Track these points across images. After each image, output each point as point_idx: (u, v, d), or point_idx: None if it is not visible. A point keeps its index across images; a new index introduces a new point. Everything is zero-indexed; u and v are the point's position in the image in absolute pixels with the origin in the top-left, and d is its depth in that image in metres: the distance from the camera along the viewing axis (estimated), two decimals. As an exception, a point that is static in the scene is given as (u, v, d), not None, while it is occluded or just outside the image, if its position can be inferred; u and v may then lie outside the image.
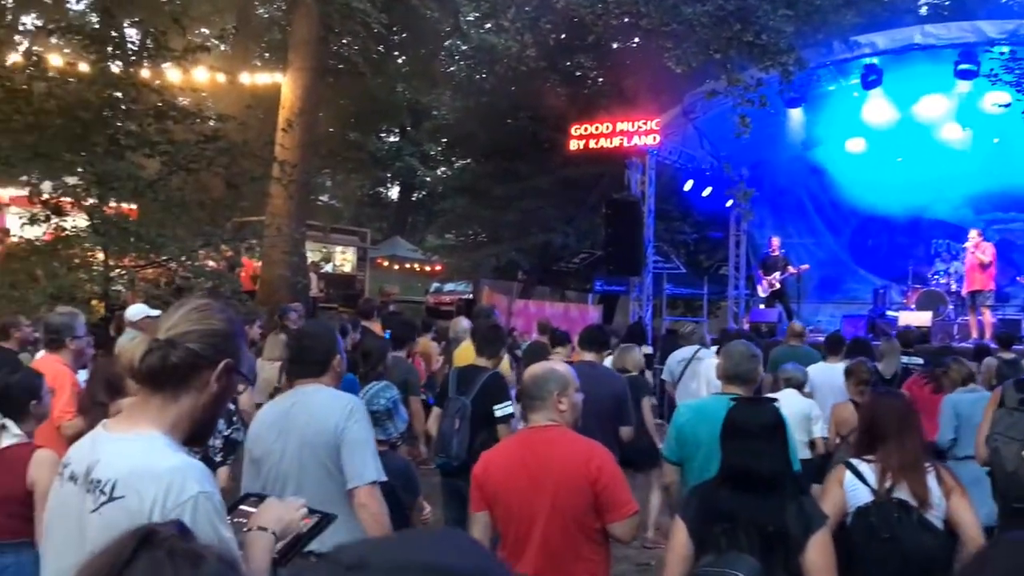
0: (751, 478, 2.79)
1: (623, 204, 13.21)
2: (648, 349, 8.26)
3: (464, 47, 25.22)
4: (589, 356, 5.44)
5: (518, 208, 18.52)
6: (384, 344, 5.53)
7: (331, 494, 3.11)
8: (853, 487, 3.18)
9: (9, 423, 3.21)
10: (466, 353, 6.88)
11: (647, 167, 13.62)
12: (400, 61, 27.05)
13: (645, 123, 12.89)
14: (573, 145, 13.63)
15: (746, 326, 15.06)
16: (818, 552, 2.73)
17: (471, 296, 21.69)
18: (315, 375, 3.28)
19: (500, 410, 4.93)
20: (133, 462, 1.75)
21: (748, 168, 15.29)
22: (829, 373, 6.76)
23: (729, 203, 15.10)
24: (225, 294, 10.23)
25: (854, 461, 3.28)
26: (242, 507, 2.16)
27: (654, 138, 12.97)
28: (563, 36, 17.73)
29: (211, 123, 9.90)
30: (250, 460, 3.35)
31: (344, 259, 24.20)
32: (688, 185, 15.05)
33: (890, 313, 13.73)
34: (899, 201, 15.29)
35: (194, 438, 1.92)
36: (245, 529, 1.95)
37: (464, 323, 8.17)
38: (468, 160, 25.51)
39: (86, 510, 1.76)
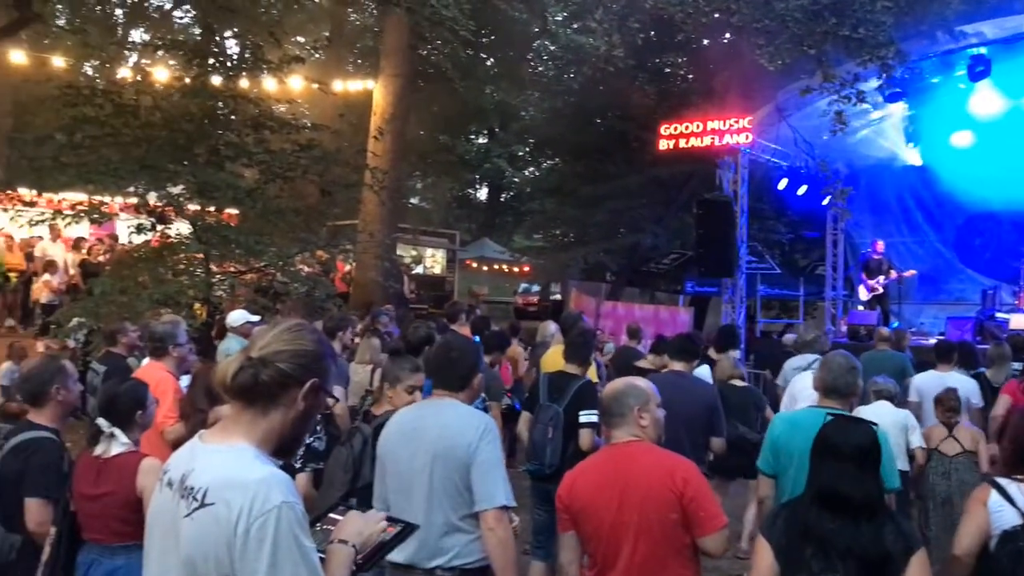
0: (843, 502, 2.69)
1: (715, 204, 12.95)
2: (736, 353, 8.03)
3: (552, 48, 25.23)
4: (678, 366, 5.34)
5: (606, 208, 18.40)
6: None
7: (458, 509, 3.19)
8: (999, 508, 3.02)
9: (118, 432, 3.36)
10: (554, 358, 6.85)
11: (739, 166, 13.32)
12: (488, 64, 27.24)
13: (737, 121, 12.62)
14: (663, 145, 13.44)
15: (844, 328, 14.59)
16: (919, 573, 2.64)
17: (559, 297, 21.70)
18: (454, 389, 3.34)
19: (585, 416, 4.91)
20: (223, 472, 1.84)
21: (845, 165, 14.78)
22: (939, 383, 6.46)
23: (825, 201, 14.63)
24: (320, 298, 10.51)
25: (1001, 480, 3.12)
26: (331, 515, 2.22)
27: (746, 136, 12.68)
28: (652, 35, 17.51)
29: (306, 132, 10.17)
30: (379, 464, 3.42)
31: (434, 261, 24.53)
32: (782, 184, 14.65)
33: (1000, 315, 13.03)
34: (1009, 197, 14.48)
35: (282, 451, 1.99)
36: (330, 540, 2.00)
37: (551, 327, 8.14)
38: (556, 160, 25.51)
39: (180, 515, 1.86)
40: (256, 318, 8.34)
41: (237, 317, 7.97)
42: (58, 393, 3.60)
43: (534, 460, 5.20)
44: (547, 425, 5.07)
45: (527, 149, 30.18)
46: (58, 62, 16.45)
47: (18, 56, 15.78)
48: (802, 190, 14.74)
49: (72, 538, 3.32)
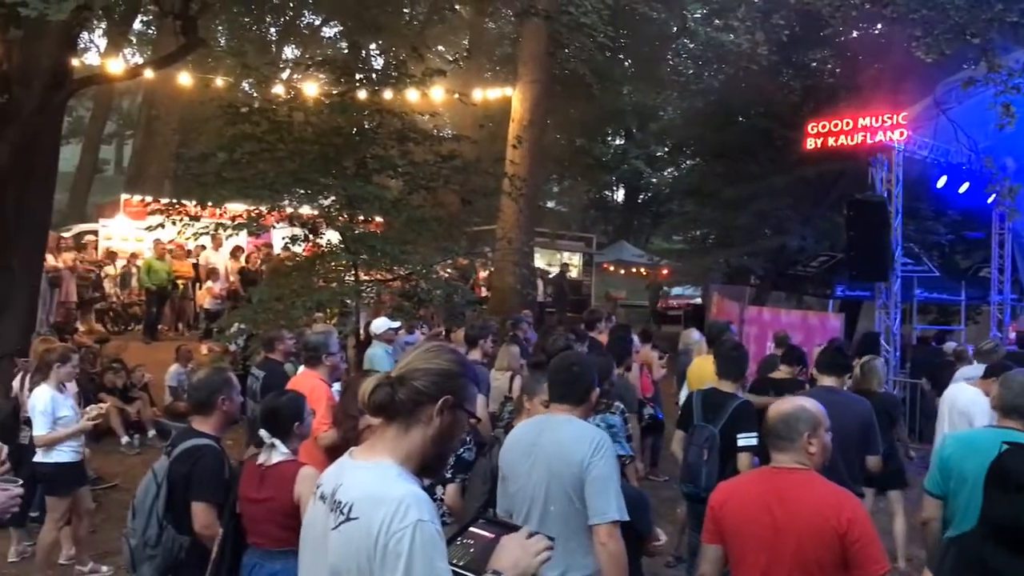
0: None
1: (867, 204, 12.30)
2: (879, 362, 7.57)
3: (691, 46, 24.75)
4: (829, 381, 5.10)
5: (750, 209, 17.86)
6: (609, 361, 5.50)
7: (573, 523, 3.23)
8: None
9: (278, 442, 3.55)
10: (701, 368, 6.70)
11: (893, 164, 12.60)
12: (625, 65, 27.00)
13: (891, 117, 11.94)
14: (810, 144, 12.90)
15: (1012, 335, 13.56)
16: None
17: (700, 301, 21.23)
18: (572, 403, 3.42)
19: (743, 440, 4.75)
20: (368, 487, 1.92)
21: (1014, 160, 13.72)
22: None
23: (991, 199, 13.63)
24: (459, 304, 10.71)
25: None
26: (472, 528, 2.22)
27: (901, 133, 11.99)
28: (796, 29, 16.86)
29: (447, 142, 10.40)
30: (501, 477, 3.53)
31: (571, 264, 24.56)
32: (941, 181, 13.76)
33: None
34: None
35: (426, 469, 2.05)
36: (486, 571, 2.01)
37: (695, 335, 8.00)
38: (696, 161, 25.02)
39: (328, 527, 1.96)
40: (398, 324, 8.62)
41: (380, 324, 8.26)
42: (223, 404, 3.83)
43: (688, 482, 5.10)
44: (702, 447, 4.95)
45: (665, 150, 29.74)
46: (219, 82, 17.59)
47: (184, 78, 16.99)
48: (963, 188, 13.81)
49: (237, 541, 3.53)
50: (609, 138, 33.16)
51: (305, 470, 3.50)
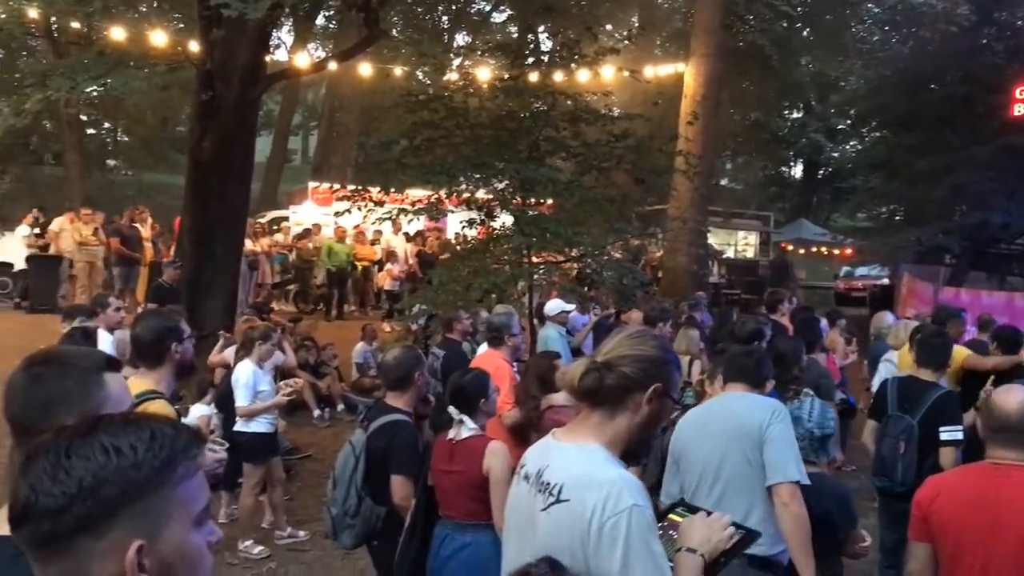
0: None
1: (1086, 175, 11.10)
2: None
3: (877, 11, 23.18)
4: (1053, 369, 4.63)
5: (945, 183, 16.54)
6: (798, 345, 5.24)
7: (749, 485, 3.26)
8: None
9: (465, 418, 3.65)
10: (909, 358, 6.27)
11: (1119, 128, 11.30)
12: (804, 34, 25.67)
13: (1118, 76, 10.70)
14: (1018, 110, 11.77)
15: None
16: None
17: (887, 282, 19.97)
18: (748, 385, 3.52)
19: (947, 433, 4.40)
20: (578, 470, 1.93)
21: None
22: None
23: None
24: (631, 287, 10.59)
25: None
26: (671, 516, 2.22)
27: None
28: (1002, -16, 15.41)
29: (619, 121, 10.27)
30: (672, 460, 3.54)
31: (746, 244, 23.74)
32: None
33: None
34: None
35: (629, 454, 2.04)
36: (675, 549, 1.98)
37: (888, 319, 7.50)
38: (882, 132, 23.46)
39: (536, 508, 1.97)
40: (571, 307, 8.63)
41: (554, 307, 8.30)
42: (417, 380, 3.98)
43: (882, 476, 4.80)
44: (898, 439, 4.64)
45: (848, 122, 28.11)
46: (397, 72, 18.24)
47: (364, 69, 17.73)
48: None
49: (430, 512, 3.66)
50: (786, 112, 31.75)
51: (493, 444, 3.60)
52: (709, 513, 2.07)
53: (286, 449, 7.57)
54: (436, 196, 9.47)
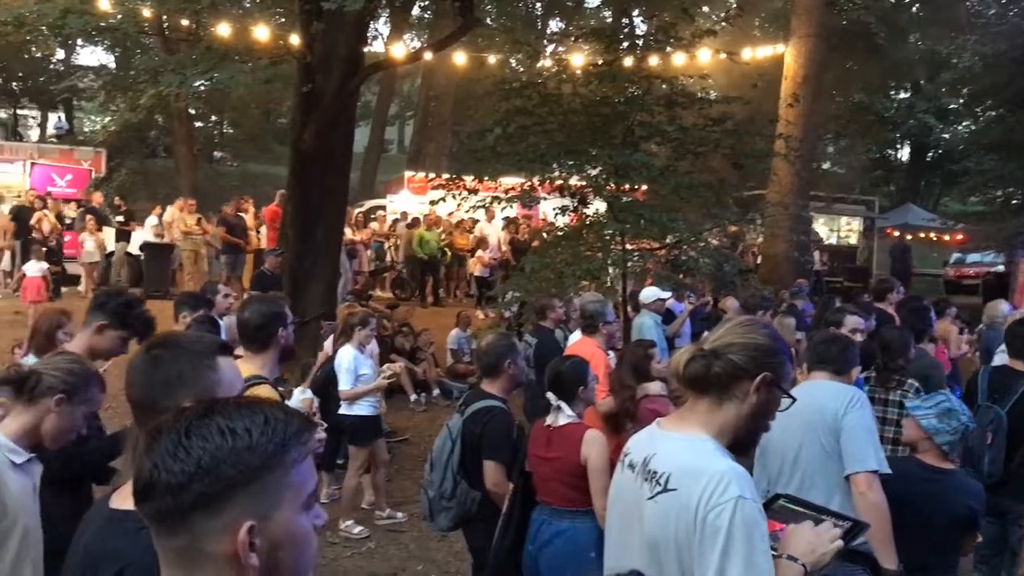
0: None
1: None
2: None
3: (995, -18, 21.94)
4: None
5: (1069, 165, 15.56)
6: (905, 335, 5.05)
7: (827, 473, 3.24)
8: None
9: (563, 405, 3.66)
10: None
11: None
12: (914, 10, 24.50)
13: None
14: None
15: None
16: None
17: (1002, 269, 18.95)
18: (832, 371, 3.50)
19: None
20: (685, 459, 1.92)
21: None
22: None
23: None
24: (729, 273, 10.38)
25: None
26: (775, 507, 2.17)
27: None
28: None
29: (716, 105, 10.06)
30: (758, 452, 3.48)
31: (849, 230, 22.92)
32: None
33: None
34: None
35: (737, 445, 2.01)
36: (775, 555, 1.93)
37: (1004, 307, 7.14)
38: (998, 111, 22.20)
39: (643, 497, 1.97)
40: (667, 295, 8.52)
41: (649, 294, 8.21)
42: (509, 367, 4.01)
43: (969, 467, 4.60)
44: (986, 429, 4.45)
45: (960, 101, 26.70)
46: (491, 60, 18.33)
47: (459, 58, 17.88)
48: None
49: (527, 497, 3.68)
50: (893, 92, 30.43)
51: (591, 433, 3.59)
52: (818, 521, 2.00)
53: (385, 432, 7.75)
54: (529, 183, 9.47)
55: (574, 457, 3.51)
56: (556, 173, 9.29)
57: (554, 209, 9.84)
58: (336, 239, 11.15)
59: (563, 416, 3.64)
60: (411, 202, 18.10)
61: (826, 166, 33.68)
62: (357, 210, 16.60)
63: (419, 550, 5.96)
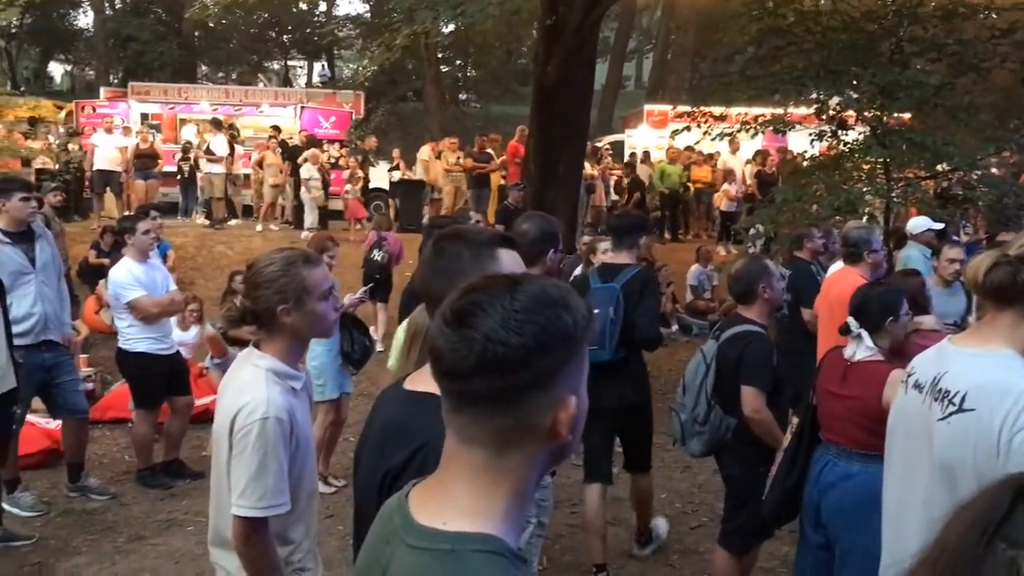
0: None
1: None
2: None
3: None
4: None
5: None
6: None
7: None
8: None
9: (864, 335, 3.22)
10: None
11: None
12: None
13: None
14: None
15: None
16: None
17: None
18: None
19: None
20: (986, 377, 1.74)
21: None
22: None
23: None
24: (1011, 207, 9.28)
25: None
26: None
27: None
28: None
29: (1003, 13, 8.84)
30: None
31: None
32: None
33: None
34: None
35: None
36: None
37: None
38: None
39: (932, 418, 1.80)
40: (940, 225, 7.73)
41: (918, 223, 7.48)
42: (764, 291, 3.78)
43: None
44: None
45: None
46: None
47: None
48: None
49: (812, 433, 3.38)
50: None
51: (896, 372, 3.15)
52: None
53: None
54: (783, 110, 8.90)
55: (873, 398, 3.05)
56: (812, 95, 8.65)
57: (809, 135, 9.18)
58: (576, 173, 11.20)
59: (863, 348, 3.22)
60: (650, 136, 17.81)
61: None
62: (596, 145, 16.58)
63: (662, 479, 5.93)
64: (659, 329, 4.61)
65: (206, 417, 7.00)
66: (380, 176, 16.42)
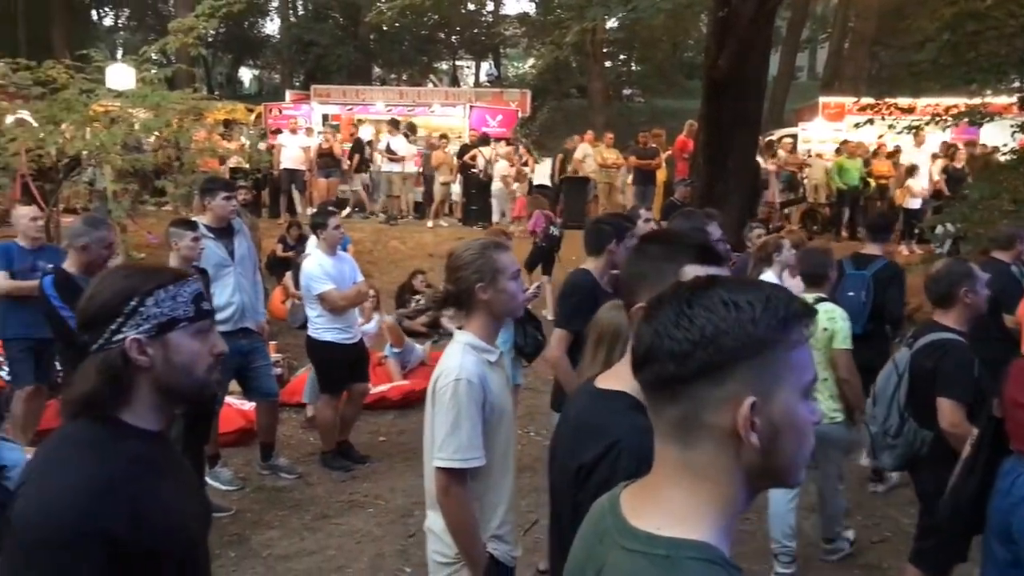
0: None
1: None
2: None
3: None
4: None
5: None
6: None
7: None
8: None
9: None
10: None
11: None
12: None
13: None
14: None
15: None
16: None
17: None
18: None
19: None
20: None
21: None
22: None
23: None
24: None
25: None
26: None
27: None
28: None
29: None
30: None
31: None
32: None
33: None
34: None
35: None
36: None
37: None
38: None
39: None
40: None
41: None
42: (966, 296, 3.54)
43: None
44: None
45: None
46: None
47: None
48: None
49: (997, 443, 3.16)
50: None
51: None
52: None
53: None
54: (979, 100, 8.27)
55: None
56: (1016, 85, 7.99)
57: (1011, 126, 8.47)
58: (748, 166, 10.89)
59: None
60: (825, 129, 16.99)
61: None
62: (767, 138, 16.01)
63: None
64: (903, 311, 5.69)
65: (382, 404, 7.37)
66: (543, 173, 16.53)
